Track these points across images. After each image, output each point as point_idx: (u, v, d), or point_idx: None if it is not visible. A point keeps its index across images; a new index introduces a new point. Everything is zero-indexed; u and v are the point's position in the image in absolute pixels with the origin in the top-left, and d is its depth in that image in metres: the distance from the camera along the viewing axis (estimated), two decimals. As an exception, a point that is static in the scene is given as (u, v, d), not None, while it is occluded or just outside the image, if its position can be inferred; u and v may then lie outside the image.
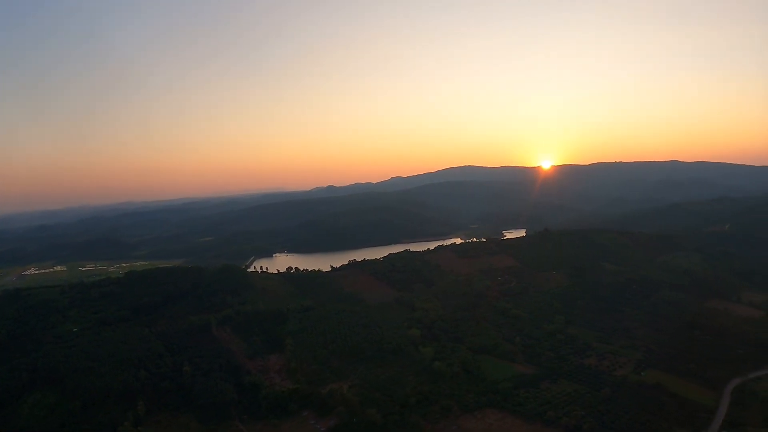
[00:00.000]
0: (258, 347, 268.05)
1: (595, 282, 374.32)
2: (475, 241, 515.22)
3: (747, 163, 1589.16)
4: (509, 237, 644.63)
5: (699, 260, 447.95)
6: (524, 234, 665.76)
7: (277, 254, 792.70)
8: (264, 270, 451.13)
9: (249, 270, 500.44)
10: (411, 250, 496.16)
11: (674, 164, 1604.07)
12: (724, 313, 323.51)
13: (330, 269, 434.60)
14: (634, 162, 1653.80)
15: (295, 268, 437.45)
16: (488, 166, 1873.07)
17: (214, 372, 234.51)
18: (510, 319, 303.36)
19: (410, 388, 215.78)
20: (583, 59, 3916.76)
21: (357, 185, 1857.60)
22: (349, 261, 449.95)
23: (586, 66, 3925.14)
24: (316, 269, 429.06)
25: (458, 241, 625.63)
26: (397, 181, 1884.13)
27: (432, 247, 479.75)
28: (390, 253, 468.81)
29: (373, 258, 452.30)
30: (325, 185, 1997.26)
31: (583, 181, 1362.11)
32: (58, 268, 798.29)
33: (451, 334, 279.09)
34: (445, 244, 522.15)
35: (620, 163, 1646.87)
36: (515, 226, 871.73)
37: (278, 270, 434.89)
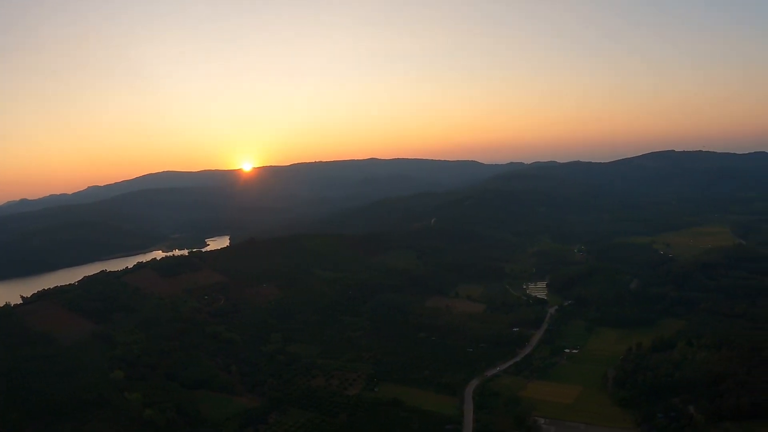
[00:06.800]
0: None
1: (309, 291, 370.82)
2: (177, 256, 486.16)
3: (442, 159, 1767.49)
4: (213, 247, 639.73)
5: (412, 258, 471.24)
6: (228, 242, 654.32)
7: None
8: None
9: None
10: (109, 270, 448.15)
11: (373, 162, 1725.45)
12: (447, 311, 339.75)
13: (21, 301, 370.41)
14: (334, 161, 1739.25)
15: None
16: (188, 171, 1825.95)
17: None
18: (223, 344, 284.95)
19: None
20: (276, 62, 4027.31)
21: (52, 197, 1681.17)
22: (39, 290, 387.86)
23: (279, 69, 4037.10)
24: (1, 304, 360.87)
25: (160, 254, 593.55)
26: (93, 190, 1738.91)
27: (131, 265, 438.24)
28: (85, 276, 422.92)
29: (68, 283, 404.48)
30: (18, 199, 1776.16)
31: (285, 182, 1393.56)
32: None
33: (160, 371, 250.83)
34: (145, 259, 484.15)
35: (320, 162, 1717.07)
36: (219, 233, 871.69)
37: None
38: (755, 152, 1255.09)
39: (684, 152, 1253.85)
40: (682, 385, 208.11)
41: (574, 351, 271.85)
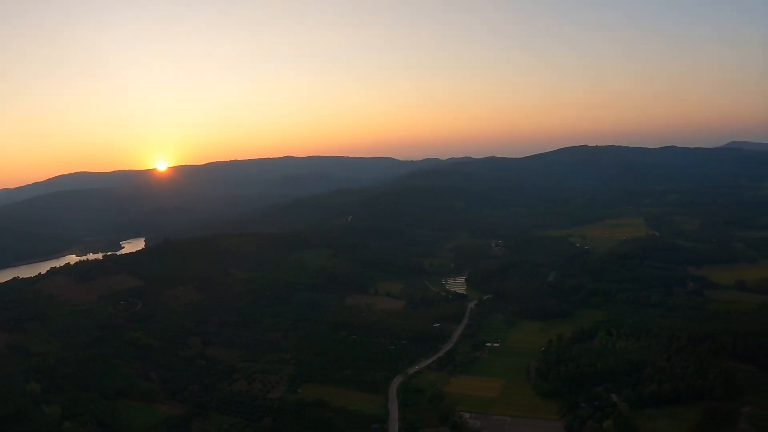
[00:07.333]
0: None
1: (227, 293, 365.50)
2: (92, 260, 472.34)
3: (358, 156, 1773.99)
4: (128, 250, 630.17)
5: (330, 256, 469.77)
6: (143, 245, 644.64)
7: None
8: None
9: None
10: (21, 276, 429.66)
11: (289, 160, 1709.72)
12: (367, 309, 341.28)
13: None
14: (250, 159, 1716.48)
15: None
16: (102, 171, 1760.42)
17: None
18: (141, 350, 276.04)
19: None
20: (190, 59, 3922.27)
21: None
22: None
23: (192, 66, 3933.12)
24: None
25: (74, 258, 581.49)
26: (4, 193, 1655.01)
27: (44, 271, 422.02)
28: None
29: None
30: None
31: (200, 181, 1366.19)
32: None
33: (77, 381, 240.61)
34: (59, 264, 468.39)
35: (235, 161, 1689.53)
36: (134, 236, 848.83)
37: None
38: (665, 147, 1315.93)
39: (597, 147, 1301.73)
40: (604, 374, 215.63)
41: (496, 344, 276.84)
